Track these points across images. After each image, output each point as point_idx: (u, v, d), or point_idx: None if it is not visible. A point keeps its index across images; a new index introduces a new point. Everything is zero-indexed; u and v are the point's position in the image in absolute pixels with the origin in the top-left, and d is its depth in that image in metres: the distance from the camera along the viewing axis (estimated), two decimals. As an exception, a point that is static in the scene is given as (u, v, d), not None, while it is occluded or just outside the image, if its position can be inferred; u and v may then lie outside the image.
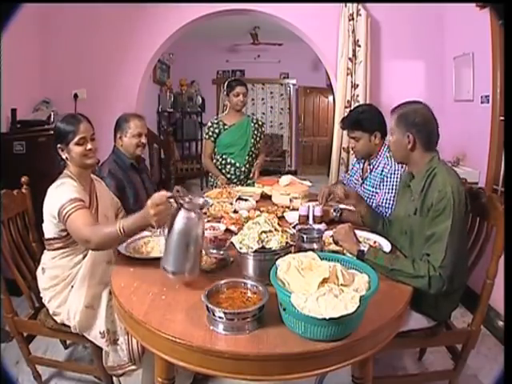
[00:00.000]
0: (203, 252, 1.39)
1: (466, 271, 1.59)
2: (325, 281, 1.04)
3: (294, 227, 1.68)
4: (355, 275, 1.11)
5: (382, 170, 2.05)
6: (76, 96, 3.42)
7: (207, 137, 2.85)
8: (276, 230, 1.34)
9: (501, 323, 2.22)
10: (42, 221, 1.59)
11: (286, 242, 1.31)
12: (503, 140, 2.36)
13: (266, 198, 2.44)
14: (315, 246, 1.37)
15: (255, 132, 2.88)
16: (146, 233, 1.69)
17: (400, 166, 1.94)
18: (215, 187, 2.74)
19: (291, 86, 7.94)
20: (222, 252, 1.43)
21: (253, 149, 2.87)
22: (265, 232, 1.31)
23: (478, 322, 1.59)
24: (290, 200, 2.21)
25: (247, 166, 2.84)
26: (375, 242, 1.62)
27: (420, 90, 3.42)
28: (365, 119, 2.03)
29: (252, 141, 2.85)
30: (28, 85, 3.25)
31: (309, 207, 1.88)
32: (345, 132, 3.19)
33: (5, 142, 2.69)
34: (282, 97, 8.01)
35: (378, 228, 1.78)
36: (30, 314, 1.77)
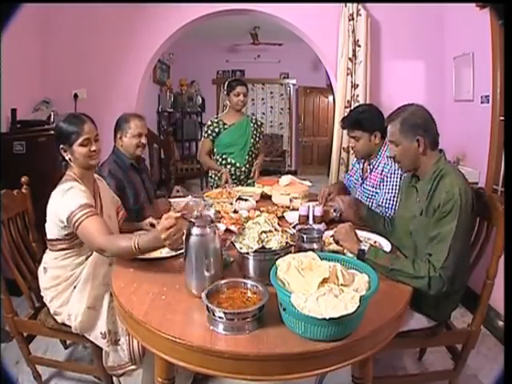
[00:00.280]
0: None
1: (467, 272, 1.59)
2: (325, 281, 1.04)
3: (294, 227, 1.68)
4: (355, 275, 1.12)
5: (382, 170, 2.05)
6: (76, 96, 3.42)
7: (206, 135, 2.84)
8: (276, 229, 1.35)
9: (501, 323, 2.22)
10: (44, 221, 1.58)
11: (286, 242, 1.31)
12: (503, 140, 2.36)
13: (266, 197, 2.44)
14: (315, 246, 1.37)
15: (254, 132, 2.89)
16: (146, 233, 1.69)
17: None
18: (216, 187, 2.73)
19: (291, 86, 7.94)
20: (222, 252, 1.43)
21: (252, 148, 2.87)
22: (265, 232, 1.32)
23: (478, 321, 1.59)
24: (290, 200, 2.21)
25: (247, 165, 2.84)
26: (375, 242, 1.63)
27: (420, 90, 3.42)
28: (365, 119, 2.04)
29: (252, 140, 2.86)
30: (28, 85, 3.25)
31: (309, 207, 1.88)
32: (345, 132, 3.19)
33: (5, 142, 2.68)
34: (282, 97, 8.01)
35: (380, 228, 1.79)
36: (29, 314, 1.77)
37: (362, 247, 1.43)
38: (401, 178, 1.97)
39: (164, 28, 3.40)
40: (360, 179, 2.22)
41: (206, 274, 1.23)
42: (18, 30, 2.78)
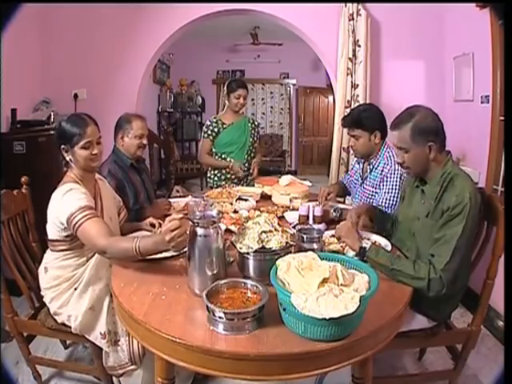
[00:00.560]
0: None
1: (469, 274, 1.58)
2: (325, 281, 1.04)
3: (293, 227, 1.68)
4: (355, 275, 1.12)
5: (382, 170, 2.05)
6: (76, 96, 3.42)
7: (206, 135, 2.84)
8: (276, 229, 1.35)
9: (501, 323, 2.22)
10: (44, 221, 1.57)
11: (286, 242, 1.31)
12: (503, 140, 2.35)
13: (266, 197, 2.44)
14: (315, 246, 1.37)
15: (252, 131, 2.91)
16: (145, 233, 1.69)
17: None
18: (216, 187, 2.73)
19: (291, 86, 7.93)
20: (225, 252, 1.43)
21: (251, 147, 2.89)
22: (265, 232, 1.32)
23: (477, 322, 1.59)
24: (290, 200, 2.21)
25: (246, 164, 2.85)
26: (375, 242, 1.62)
27: (420, 90, 3.42)
28: (366, 118, 2.04)
29: (250, 140, 2.88)
30: (28, 85, 3.25)
31: (309, 207, 1.88)
32: (345, 132, 3.20)
33: (5, 142, 2.68)
34: (282, 97, 8.01)
35: (387, 228, 1.78)
36: (29, 314, 1.77)
37: (364, 245, 1.43)
38: (401, 178, 1.97)
39: (164, 28, 3.40)
40: (360, 179, 2.23)
41: (209, 273, 1.24)
42: (18, 30, 2.79)
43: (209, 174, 2.95)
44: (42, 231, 1.62)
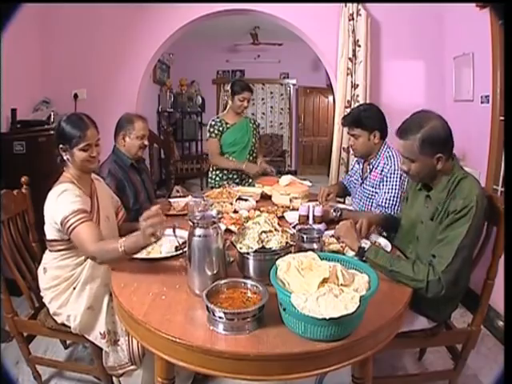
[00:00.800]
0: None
1: (469, 275, 1.57)
2: (325, 281, 1.04)
3: (294, 227, 1.68)
4: (355, 275, 1.12)
5: (382, 170, 2.05)
6: (76, 96, 3.42)
7: (213, 135, 2.81)
8: (276, 229, 1.35)
9: (501, 323, 2.22)
10: (43, 221, 1.57)
11: (286, 242, 1.31)
12: (503, 140, 2.35)
13: (266, 197, 2.44)
14: (315, 246, 1.37)
15: (254, 132, 2.92)
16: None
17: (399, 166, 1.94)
18: (218, 187, 2.72)
19: (291, 86, 7.94)
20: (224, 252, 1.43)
21: (253, 148, 2.90)
22: (265, 232, 1.32)
23: (477, 322, 1.59)
24: (290, 200, 2.21)
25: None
26: (375, 242, 1.62)
27: (420, 90, 3.42)
28: (365, 117, 2.04)
29: (253, 140, 2.89)
30: (28, 85, 3.25)
31: (309, 207, 1.88)
32: (345, 132, 3.20)
33: (5, 142, 2.68)
34: (282, 97, 8.01)
35: (394, 230, 1.78)
36: (29, 314, 1.77)
37: (363, 245, 1.42)
38: (401, 178, 1.97)
39: (164, 28, 3.40)
40: (360, 179, 2.23)
41: (209, 273, 1.24)
42: (18, 30, 2.79)
43: (210, 175, 2.95)
44: (42, 231, 1.62)
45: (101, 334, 1.54)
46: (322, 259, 1.16)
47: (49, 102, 3.35)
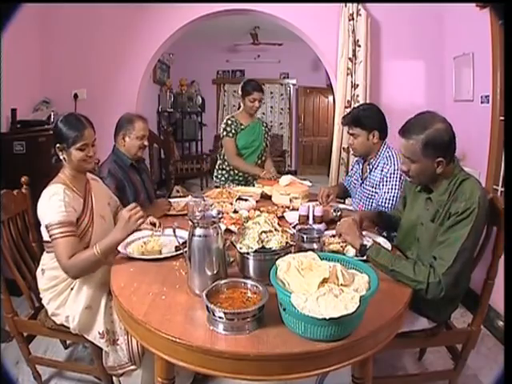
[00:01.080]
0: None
1: (469, 277, 1.57)
2: (325, 281, 1.04)
3: (294, 227, 1.68)
4: (355, 275, 1.12)
5: (382, 170, 2.05)
6: (76, 96, 3.42)
7: (230, 135, 2.77)
8: (276, 229, 1.35)
9: (501, 323, 2.22)
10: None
11: (286, 242, 1.31)
12: (503, 140, 2.35)
13: (266, 197, 2.44)
14: (315, 246, 1.37)
15: (265, 135, 2.92)
16: (146, 232, 1.70)
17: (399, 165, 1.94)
18: (223, 186, 2.70)
19: (291, 86, 7.94)
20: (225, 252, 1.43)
21: (263, 152, 2.91)
22: (265, 232, 1.32)
23: (478, 322, 1.59)
24: (290, 200, 2.21)
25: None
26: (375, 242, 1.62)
27: (420, 90, 3.42)
28: (365, 117, 2.04)
29: (263, 144, 2.90)
30: (28, 85, 3.25)
31: (309, 207, 1.88)
32: (345, 132, 3.20)
33: (5, 142, 2.68)
34: (282, 97, 8.01)
35: (393, 228, 1.78)
36: (29, 314, 1.77)
37: (365, 242, 1.42)
38: (400, 178, 1.97)
39: (164, 28, 3.40)
40: (360, 179, 2.23)
41: (209, 273, 1.24)
42: (18, 30, 2.79)
43: (216, 173, 2.94)
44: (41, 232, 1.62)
45: (99, 333, 1.54)
46: (322, 259, 1.16)
47: (49, 101, 3.35)
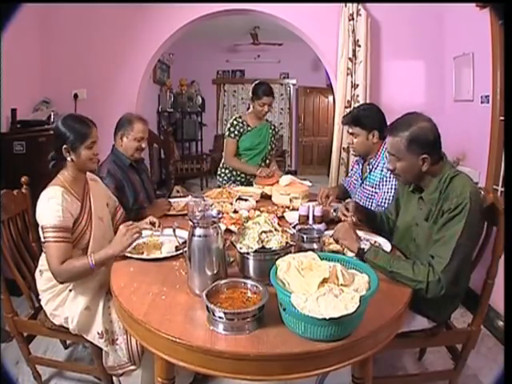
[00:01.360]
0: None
1: (469, 275, 1.57)
2: (325, 281, 1.04)
3: (293, 227, 1.68)
4: (355, 275, 1.12)
5: (382, 170, 2.05)
6: (76, 96, 3.42)
7: (232, 136, 2.77)
8: (276, 229, 1.35)
9: (501, 323, 2.22)
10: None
11: (286, 242, 1.31)
12: (503, 140, 2.35)
13: (266, 197, 2.44)
14: (315, 246, 1.37)
15: (272, 138, 2.90)
16: (145, 232, 1.70)
17: None
18: (223, 186, 2.69)
19: (291, 86, 7.93)
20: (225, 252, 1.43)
21: (267, 155, 2.89)
22: (265, 232, 1.32)
23: (478, 322, 1.59)
24: (290, 200, 2.21)
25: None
26: (375, 242, 1.62)
27: (420, 90, 3.42)
28: (364, 116, 2.05)
29: (269, 147, 2.87)
30: (28, 85, 3.25)
31: (309, 207, 1.88)
32: (345, 132, 3.20)
33: (5, 142, 2.68)
34: (282, 97, 8.00)
35: (385, 229, 1.78)
36: (29, 314, 1.77)
37: (362, 246, 1.42)
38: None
39: (164, 28, 3.40)
40: (359, 179, 2.23)
41: (209, 273, 1.24)
42: (18, 29, 2.79)
43: (219, 172, 2.93)
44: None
45: (98, 333, 1.54)
46: (321, 259, 1.16)
47: (49, 102, 3.35)
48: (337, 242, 1.52)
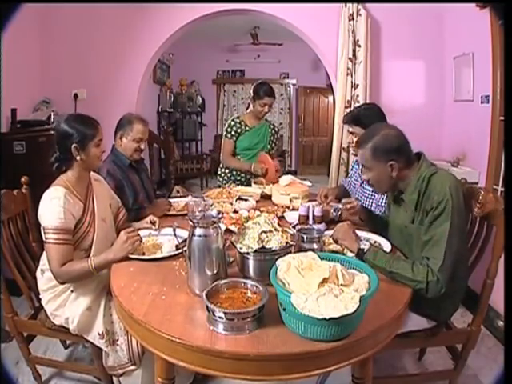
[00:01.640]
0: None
1: (467, 272, 1.57)
2: (325, 281, 1.04)
3: (293, 227, 1.68)
4: (355, 275, 1.11)
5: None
6: (76, 96, 3.42)
7: (229, 136, 2.77)
8: (276, 229, 1.35)
9: (501, 323, 2.22)
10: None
11: (286, 242, 1.31)
12: (503, 140, 2.36)
13: (266, 197, 2.44)
14: (315, 246, 1.37)
15: (272, 138, 2.89)
16: (145, 232, 1.70)
17: None
18: (223, 186, 2.69)
19: (291, 86, 7.94)
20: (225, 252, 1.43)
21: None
22: (265, 232, 1.32)
23: (478, 322, 1.59)
24: (290, 200, 2.21)
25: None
26: (375, 242, 1.62)
27: (420, 90, 3.43)
28: (365, 116, 2.05)
29: (268, 147, 2.86)
30: (28, 85, 3.25)
31: (309, 207, 1.88)
32: (345, 132, 3.20)
33: (5, 142, 2.68)
34: (282, 97, 8.00)
35: (382, 230, 1.78)
36: (29, 314, 1.77)
37: (362, 246, 1.42)
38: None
39: (164, 28, 3.40)
40: (359, 180, 2.23)
41: (209, 273, 1.24)
42: (18, 30, 2.79)
43: (219, 172, 2.93)
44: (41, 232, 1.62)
45: (99, 334, 1.54)
46: (321, 259, 1.16)
47: (49, 102, 3.35)
48: (336, 242, 1.52)
